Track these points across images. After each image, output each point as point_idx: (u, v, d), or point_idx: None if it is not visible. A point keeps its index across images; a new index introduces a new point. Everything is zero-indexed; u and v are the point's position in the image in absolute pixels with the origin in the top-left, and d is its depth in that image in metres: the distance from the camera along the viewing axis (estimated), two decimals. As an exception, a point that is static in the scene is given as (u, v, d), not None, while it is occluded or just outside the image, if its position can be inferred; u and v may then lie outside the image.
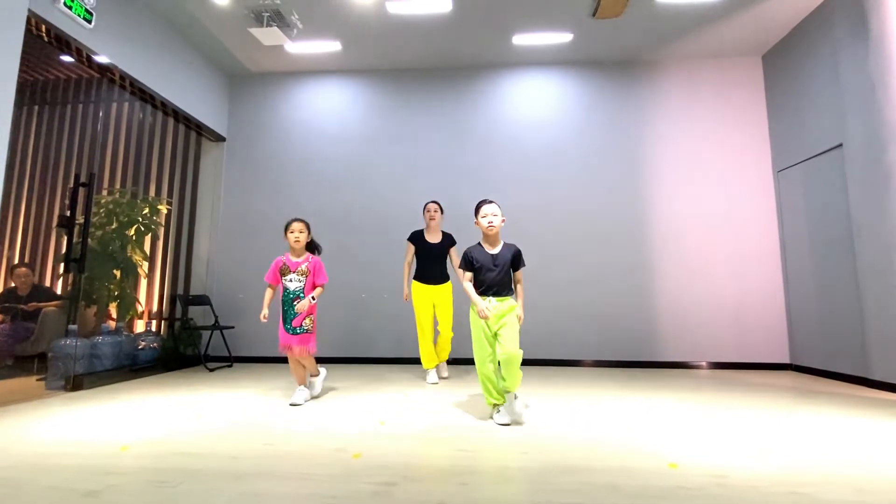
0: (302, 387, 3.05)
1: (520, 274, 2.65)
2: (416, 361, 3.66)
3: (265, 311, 2.94)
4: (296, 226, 3.01)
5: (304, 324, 2.94)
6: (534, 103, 5.18)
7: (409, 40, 4.76)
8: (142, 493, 1.59)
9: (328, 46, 4.85)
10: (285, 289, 2.98)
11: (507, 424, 2.44)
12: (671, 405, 2.97)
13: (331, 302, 5.00)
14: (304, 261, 3.00)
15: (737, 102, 4.96)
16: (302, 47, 4.82)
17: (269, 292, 3.01)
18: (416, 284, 3.78)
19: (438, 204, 3.90)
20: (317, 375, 3.20)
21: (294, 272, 2.97)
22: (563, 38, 4.69)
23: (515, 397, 2.54)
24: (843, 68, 3.90)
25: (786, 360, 4.56)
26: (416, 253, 3.81)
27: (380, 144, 5.25)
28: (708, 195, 4.85)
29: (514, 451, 2.03)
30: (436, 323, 3.86)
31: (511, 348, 2.44)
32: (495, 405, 2.56)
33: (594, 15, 4.26)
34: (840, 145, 3.95)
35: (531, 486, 1.65)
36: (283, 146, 5.34)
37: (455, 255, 3.80)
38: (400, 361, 4.76)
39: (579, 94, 5.16)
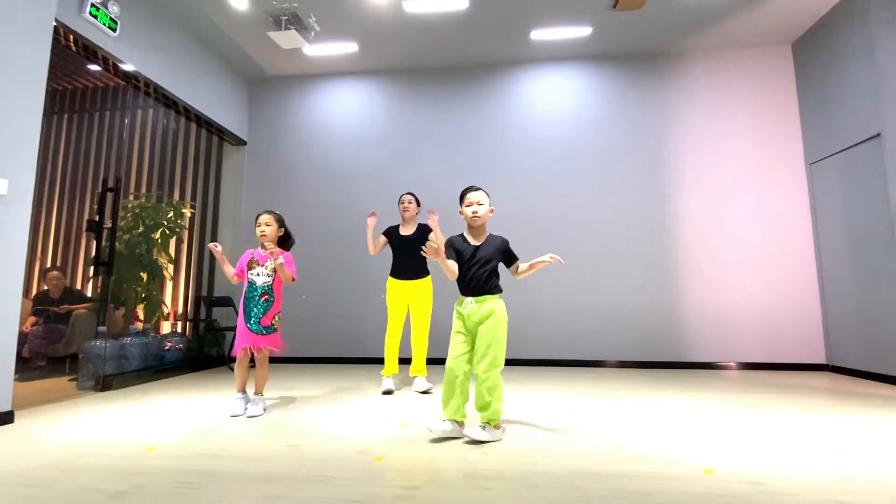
0: (241, 394, 2.78)
1: (517, 264, 2.36)
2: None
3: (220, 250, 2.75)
4: (262, 218, 2.80)
5: (273, 322, 2.76)
6: (553, 100, 5.10)
7: (426, 39, 4.74)
8: (168, 495, 1.60)
9: (345, 48, 4.86)
10: (251, 283, 2.76)
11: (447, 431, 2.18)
12: (701, 407, 2.86)
13: (349, 302, 5.02)
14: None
15: (765, 93, 4.78)
16: (319, 49, 4.85)
17: (231, 270, 2.82)
18: (390, 281, 3.51)
19: (414, 195, 3.63)
20: (261, 395, 2.81)
21: (262, 266, 2.78)
22: (583, 31, 4.59)
23: (484, 427, 2.17)
24: (880, 54, 3.71)
25: (822, 360, 4.38)
26: (391, 247, 3.56)
27: (398, 144, 5.24)
28: (736, 189, 4.69)
29: (538, 456, 1.98)
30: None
31: (489, 368, 2.15)
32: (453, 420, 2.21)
33: (615, 7, 4.16)
34: (878, 135, 3.77)
35: (558, 493, 1.60)
36: (302, 148, 5.38)
37: (440, 237, 3.48)
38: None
39: (600, 90, 5.05)
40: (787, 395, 3.26)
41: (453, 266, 2.28)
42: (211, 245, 2.75)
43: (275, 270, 2.77)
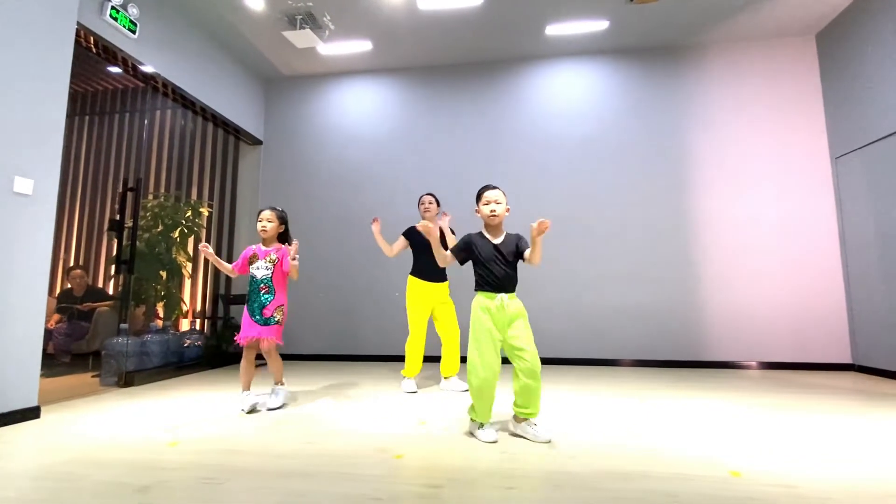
0: (247, 392, 2.82)
1: (525, 252, 2.29)
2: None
3: (211, 251, 2.77)
4: (264, 214, 2.89)
5: (275, 314, 2.79)
6: (569, 96, 5.04)
7: (440, 36, 4.72)
8: (191, 490, 1.62)
9: (359, 46, 4.87)
10: (252, 277, 2.85)
11: (496, 441, 2.13)
12: (723, 407, 2.80)
13: (364, 301, 5.04)
14: (274, 250, 2.88)
15: (788, 86, 4.66)
16: (334, 48, 4.86)
17: (227, 266, 2.87)
18: (413, 281, 3.45)
19: (434, 196, 3.58)
20: (282, 385, 2.94)
21: (262, 259, 2.85)
22: (599, 25, 4.53)
23: (535, 424, 2.20)
24: (912, 43, 3.58)
25: (847, 360, 4.26)
26: (414, 248, 3.52)
27: (411, 142, 5.23)
28: (757, 184, 4.58)
29: (561, 456, 1.96)
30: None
31: (536, 360, 2.14)
32: (481, 424, 2.21)
33: (632, 0, 4.09)
34: (908, 127, 3.65)
35: (582, 493, 1.57)
36: (317, 147, 5.41)
37: (450, 239, 3.45)
38: (434, 360, 4.72)
39: (617, 84, 4.98)
40: (812, 395, 3.18)
41: (447, 254, 2.38)
42: (201, 246, 2.76)
43: (273, 263, 2.84)
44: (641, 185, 4.78)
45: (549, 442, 2.11)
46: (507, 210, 2.32)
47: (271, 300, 2.81)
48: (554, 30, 4.60)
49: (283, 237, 2.97)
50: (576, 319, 4.68)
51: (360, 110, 5.39)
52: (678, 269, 4.61)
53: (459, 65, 5.25)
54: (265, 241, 2.91)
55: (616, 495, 1.55)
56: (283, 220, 2.94)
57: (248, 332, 2.78)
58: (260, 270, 2.84)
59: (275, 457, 1.96)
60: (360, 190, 5.23)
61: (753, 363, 4.39)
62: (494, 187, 2.33)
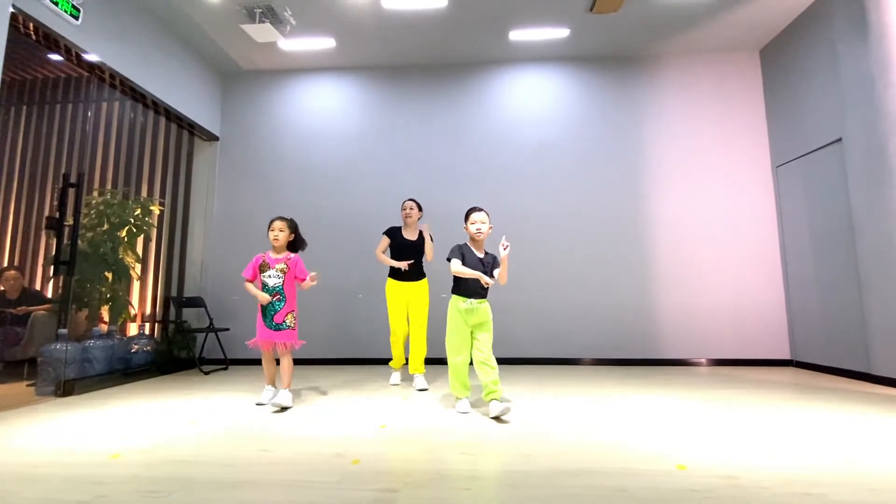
0: (270, 386, 3.06)
1: (498, 271, 2.78)
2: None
3: (264, 295, 2.93)
4: (276, 224, 3.01)
5: (286, 320, 2.95)
6: (530, 100, 5.13)
7: (405, 37, 4.70)
8: (132, 504, 1.53)
9: (322, 43, 4.78)
10: (264, 285, 2.98)
11: (468, 413, 2.67)
12: (674, 403, 2.93)
13: (325, 302, 4.94)
14: (284, 258, 3.01)
15: (734, 97, 4.93)
16: (295, 44, 4.75)
17: (250, 285, 3.01)
18: (389, 282, 3.64)
19: (416, 202, 3.72)
20: (288, 388, 2.93)
21: (273, 268, 2.98)
22: (560, 33, 4.64)
23: (501, 400, 2.63)
24: (843, 61, 3.87)
25: (786, 356, 4.54)
26: (392, 248, 3.66)
27: (374, 142, 5.18)
28: (706, 190, 4.82)
29: (517, 455, 1.98)
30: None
31: (489, 353, 2.65)
32: (458, 398, 2.75)
33: (591, 10, 4.22)
34: (839, 139, 3.93)
35: (537, 492, 1.60)
36: (277, 145, 5.26)
37: (429, 246, 3.62)
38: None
39: (576, 91, 5.11)
40: (756, 390, 3.37)
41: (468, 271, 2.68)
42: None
43: (283, 272, 2.98)
44: (598, 190, 4.92)
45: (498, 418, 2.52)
46: (490, 228, 2.75)
47: (283, 307, 2.95)
48: (517, 35, 4.67)
49: (293, 245, 3.09)
50: (537, 320, 4.76)
51: (323, 108, 5.29)
52: (634, 270, 4.78)
53: (424, 66, 5.24)
54: (276, 249, 3.02)
55: (569, 492, 1.59)
56: (293, 228, 3.07)
57: (263, 335, 2.93)
58: (272, 279, 2.97)
59: (226, 466, 1.88)
60: (321, 189, 5.13)
61: (703, 360, 4.61)
62: (480, 209, 2.77)
